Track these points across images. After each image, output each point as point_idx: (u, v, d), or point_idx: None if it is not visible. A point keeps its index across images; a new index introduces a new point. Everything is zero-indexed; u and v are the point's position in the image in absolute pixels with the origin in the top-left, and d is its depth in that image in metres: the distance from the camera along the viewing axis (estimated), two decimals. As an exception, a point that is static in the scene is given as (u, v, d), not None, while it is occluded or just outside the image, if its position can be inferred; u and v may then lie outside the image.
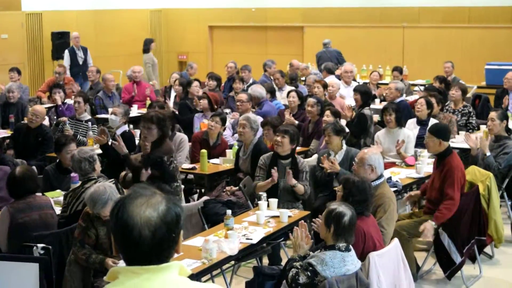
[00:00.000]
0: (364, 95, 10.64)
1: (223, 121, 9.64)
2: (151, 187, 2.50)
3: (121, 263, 5.55)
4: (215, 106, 11.13)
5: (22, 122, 10.32)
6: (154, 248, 2.40)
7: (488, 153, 8.36)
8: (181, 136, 9.33)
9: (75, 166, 6.79)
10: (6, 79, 14.19)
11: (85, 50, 16.48)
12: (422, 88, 14.07)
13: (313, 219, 5.82)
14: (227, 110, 12.02)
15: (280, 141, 7.74)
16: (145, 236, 2.38)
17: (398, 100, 11.26)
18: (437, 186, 7.20)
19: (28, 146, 9.85)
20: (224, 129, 10.56)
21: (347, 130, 9.38)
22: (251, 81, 14.31)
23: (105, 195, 5.75)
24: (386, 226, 6.26)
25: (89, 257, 5.79)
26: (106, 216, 5.75)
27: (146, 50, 17.23)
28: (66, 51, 16.29)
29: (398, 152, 8.97)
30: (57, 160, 8.10)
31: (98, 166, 6.82)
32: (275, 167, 7.63)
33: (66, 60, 15.97)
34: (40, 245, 5.90)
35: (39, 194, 6.63)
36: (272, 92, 12.30)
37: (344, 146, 8.24)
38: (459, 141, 9.77)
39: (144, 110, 12.14)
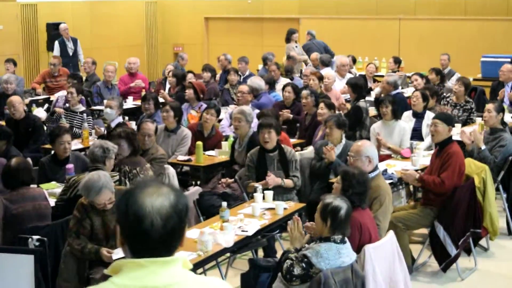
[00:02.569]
0: (356, 87, 10.60)
1: (218, 112, 9.64)
2: (156, 180, 2.49)
3: (116, 252, 5.56)
4: (201, 96, 11.12)
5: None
6: (164, 238, 2.38)
7: (483, 147, 8.35)
8: (186, 131, 9.28)
9: (89, 151, 6.85)
10: (2, 70, 14.16)
11: (75, 41, 16.43)
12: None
13: (305, 224, 5.78)
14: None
15: (268, 137, 7.72)
16: (157, 225, 2.35)
17: (393, 92, 11.26)
18: (436, 174, 7.22)
19: (19, 137, 9.84)
20: (220, 120, 10.56)
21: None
22: (247, 72, 14.29)
23: (99, 182, 5.73)
24: (382, 219, 6.27)
25: (84, 247, 5.79)
26: (101, 204, 5.75)
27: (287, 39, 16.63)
28: (56, 43, 16.23)
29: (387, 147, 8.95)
30: (52, 152, 8.08)
31: (110, 163, 6.80)
32: (269, 172, 7.58)
33: (56, 52, 15.90)
34: (35, 237, 5.89)
35: (33, 185, 6.62)
36: (271, 84, 12.27)
37: (344, 140, 8.22)
38: (454, 133, 9.76)
39: (139, 102, 12.12)
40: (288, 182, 7.62)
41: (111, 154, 6.78)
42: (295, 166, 7.76)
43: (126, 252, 2.42)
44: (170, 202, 2.39)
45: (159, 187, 2.43)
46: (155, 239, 2.36)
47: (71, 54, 16.15)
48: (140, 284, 2.33)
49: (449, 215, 7.13)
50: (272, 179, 7.51)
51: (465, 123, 10.93)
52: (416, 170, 8.12)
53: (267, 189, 7.26)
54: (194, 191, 7.47)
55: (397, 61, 14.98)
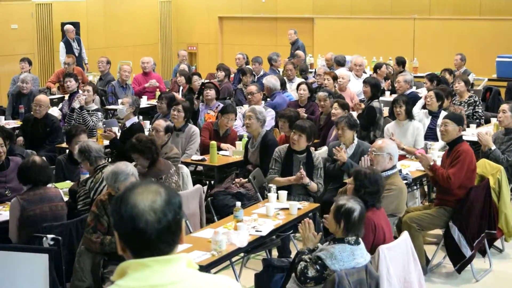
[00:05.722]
0: (374, 87, 10.59)
1: (236, 114, 9.67)
2: (144, 180, 2.50)
3: None
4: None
5: (30, 112, 10.33)
6: (161, 234, 2.37)
7: (493, 147, 8.31)
8: (193, 128, 9.30)
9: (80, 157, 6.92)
10: (17, 69, 14.21)
11: (78, 41, 16.46)
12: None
13: (324, 216, 5.79)
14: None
15: (297, 140, 7.69)
16: (152, 222, 2.36)
17: (408, 92, 11.24)
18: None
19: (37, 136, 9.89)
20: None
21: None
22: (262, 72, 14.28)
23: (126, 169, 5.86)
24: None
25: (104, 239, 5.82)
26: None
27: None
28: (61, 43, 16.26)
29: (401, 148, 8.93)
30: (68, 151, 8.11)
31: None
32: (302, 170, 7.55)
33: (62, 53, 15.92)
34: (50, 236, 5.91)
35: (49, 185, 6.64)
36: (282, 84, 12.27)
37: (356, 140, 8.20)
38: (469, 134, 9.74)
39: (153, 102, 12.13)
40: (313, 185, 7.58)
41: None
42: (320, 173, 7.72)
43: (129, 257, 2.42)
44: (161, 197, 2.40)
45: (148, 185, 2.44)
46: (153, 236, 2.36)
47: (77, 54, 16.17)
48: (145, 284, 2.34)
49: (464, 216, 7.10)
50: (305, 176, 7.49)
51: (472, 117, 10.90)
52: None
53: (284, 188, 7.25)
54: (196, 188, 7.38)
55: (400, 61, 14.66)
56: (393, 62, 14.93)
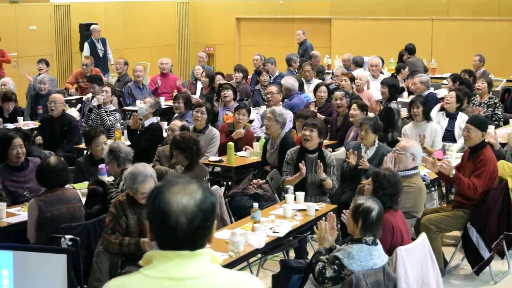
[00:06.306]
0: (392, 88, 10.57)
1: (249, 112, 9.66)
2: (185, 176, 2.54)
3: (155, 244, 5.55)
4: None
5: (48, 113, 10.38)
6: (189, 235, 2.44)
7: (497, 147, 8.27)
8: (214, 131, 9.29)
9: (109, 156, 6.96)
10: (35, 70, 14.29)
11: (104, 42, 16.49)
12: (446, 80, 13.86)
13: (342, 211, 5.80)
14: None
15: (309, 135, 7.69)
16: (182, 223, 2.42)
17: (425, 93, 11.20)
18: (467, 177, 7.15)
19: (55, 135, 9.93)
20: (251, 121, 10.57)
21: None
22: (277, 73, 14.27)
23: (145, 171, 5.85)
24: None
25: (122, 240, 5.83)
26: (144, 193, 5.75)
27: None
28: (86, 44, 16.30)
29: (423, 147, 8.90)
30: (88, 152, 8.14)
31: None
32: (303, 161, 7.60)
33: (87, 53, 15.95)
34: (68, 237, 5.94)
35: (67, 186, 6.66)
36: (300, 85, 12.26)
37: (377, 142, 8.16)
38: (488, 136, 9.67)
39: (171, 103, 12.16)
40: (329, 181, 7.56)
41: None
42: (333, 170, 7.73)
43: (156, 247, 2.50)
44: (195, 201, 2.45)
45: (186, 185, 2.49)
46: (181, 236, 2.44)
47: (101, 55, 16.22)
48: (167, 276, 2.42)
49: (482, 217, 7.07)
50: (322, 171, 7.49)
51: (491, 118, 10.84)
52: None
53: (303, 190, 7.24)
54: (214, 189, 7.39)
55: (407, 48, 14.62)
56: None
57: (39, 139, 10.10)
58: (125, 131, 9.93)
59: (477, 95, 11.36)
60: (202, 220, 2.45)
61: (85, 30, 17.55)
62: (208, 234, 2.49)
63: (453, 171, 7.16)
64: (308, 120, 8.02)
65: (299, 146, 7.87)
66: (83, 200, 6.76)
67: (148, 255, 2.48)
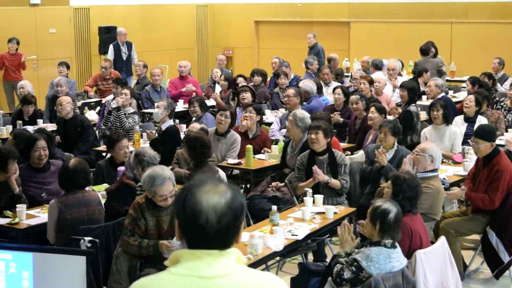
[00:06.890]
0: (411, 91, 10.54)
1: (257, 111, 9.62)
2: (214, 177, 2.57)
3: (175, 244, 5.55)
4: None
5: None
6: (219, 234, 2.46)
7: None
8: (236, 135, 9.29)
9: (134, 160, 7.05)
10: (55, 73, 14.36)
11: (129, 46, 16.52)
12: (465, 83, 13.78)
13: (359, 221, 5.77)
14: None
15: (315, 138, 7.69)
16: (212, 222, 2.44)
17: (439, 96, 11.14)
18: (484, 188, 7.11)
19: (69, 137, 9.97)
20: (269, 124, 10.58)
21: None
22: (292, 76, 14.27)
23: (163, 173, 5.86)
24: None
25: (141, 242, 5.85)
26: (163, 196, 5.77)
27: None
28: (111, 46, 16.34)
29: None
30: (109, 156, 8.16)
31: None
32: (315, 165, 7.58)
33: (110, 56, 16.02)
34: (87, 238, 5.95)
35: (87, 188, 6.69)
36: (318, 88, 12.24)
37: (396, 145, 8.12)
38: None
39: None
40: (335, 182, 7.57)
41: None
42: (344, 170, 7.72)
43: (184, 246, 2.52)
44: (225, 200, 2.48)
45: (217, 185, 2.52)
46: (210, 235, 2.46)
47: (124, 58, 16.25)
48: (194, 274, 2.44)
49: (501, 221, 7.03)
50: (320, 174, 7.48)
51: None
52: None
53: (317, 192, 7.24)
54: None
55: (421, 49, 14.60)
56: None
57: (57, 138, 10.14)
58: (144, 134, 9.95)
59: (508, 100, 11.22)
60: (231, 219, 2.47)
61: (104, 33, 17.63)
62: (236, 234, 2.52)
63: (462, 194, 7.19)
64: (312, 123, 8.02)
65: (309, 151, 7.85)
66: (103, 202, 6.80)
67: (176, 255, 2.50)
